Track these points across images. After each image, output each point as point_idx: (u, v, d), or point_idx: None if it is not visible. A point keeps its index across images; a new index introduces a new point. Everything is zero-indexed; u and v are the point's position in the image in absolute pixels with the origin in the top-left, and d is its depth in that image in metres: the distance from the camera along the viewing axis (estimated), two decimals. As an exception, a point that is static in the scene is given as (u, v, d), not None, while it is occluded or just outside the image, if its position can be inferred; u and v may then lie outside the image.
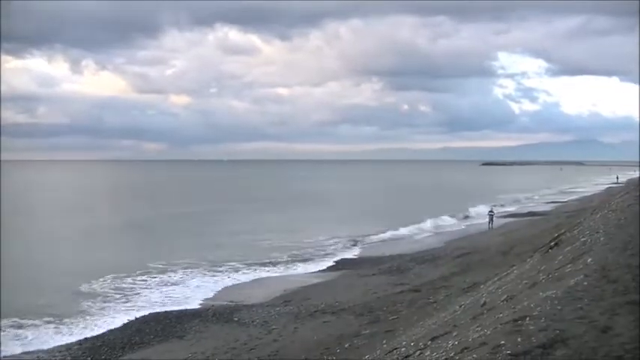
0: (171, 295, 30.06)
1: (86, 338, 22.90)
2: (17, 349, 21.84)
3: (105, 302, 28.72)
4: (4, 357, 21.03)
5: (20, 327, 24.38)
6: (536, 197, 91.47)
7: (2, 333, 23.52)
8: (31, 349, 21.98)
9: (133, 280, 33.29)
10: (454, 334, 9.98)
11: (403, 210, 70.07)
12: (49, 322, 24.92)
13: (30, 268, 37.18)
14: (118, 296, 29.84)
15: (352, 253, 41.21)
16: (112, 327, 24.38)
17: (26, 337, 23.20)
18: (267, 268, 36.39)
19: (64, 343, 22.58)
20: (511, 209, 71.62)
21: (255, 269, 36.21)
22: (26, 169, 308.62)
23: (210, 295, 30.00)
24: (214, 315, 25.14)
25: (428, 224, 56.29)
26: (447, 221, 59.55)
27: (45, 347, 22.07)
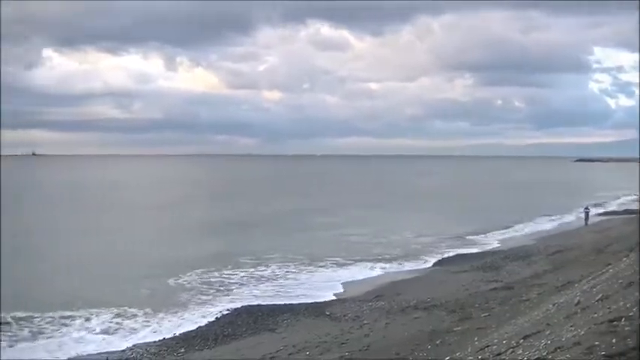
0: (263, 290, 30.50)
1: (180, 331, 23.40)
2: (109, 344, 22.29)
3: (197, 295, 29.30)
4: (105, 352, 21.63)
5: (117, 317, 25.09)
6: (634, 195, 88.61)
7: (93, 325, 24.26)
8: (123, 341, 22.52)
9: (223, 274, 33.83)
10: (547, 332, 9.90)
11: (501, 207, 68.77)
12: (141, 315, 25.53)
13: (121, 262, 38.13)
14: (211, 290, 30.40)
15: (448, 251, 40.63)
16: (205, 319, 24.86)
17: (117, 330, 23.77)
18: (361, 265, 36.27)
19: (157, 334, 23.12)
20: (607, 206, 69.80)
21: (349, 265, 36.23)
22: (122, 164, 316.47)
23: (303, 289, 30.30)
24: (306, 309, 25.37)
25: (525, 224, 55.23)
26: (543, 221, 58.26)
27: (138, 340, 22.56)
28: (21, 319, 24.45)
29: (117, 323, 24.44)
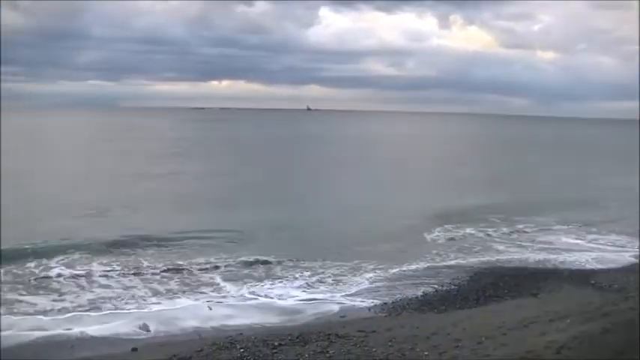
0: (525, 251, 30.04)
1: (442, 288, 23.73)
2: (375, 296, 22.91)
3: (455, 252, 29.72)
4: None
5: (376, 270, 26.04)
6: None
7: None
8: (385, 295, 23.06)
9: (479, 231, 34.17)
10: None
11: None
12: (400, 269, 26.30)
13: (383, 213, 39.32)
14: (471, 247, 30.77)
15: None
16: (466, 278, 25.02)
17: (379, 283, 24.47)
18: (632, 235, 34.19)
19: (417, 289, 23.55)
20: None
21: (617, 234, 34.46)
22: (395, 120, 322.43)
23: (568, 255, 29.53)
24: (570, 275, 24.98)
25: None
26: None
27: (400, 294, 23.03)
28: (279, 262, 26.65)
29: (380, 276, 25.30)
